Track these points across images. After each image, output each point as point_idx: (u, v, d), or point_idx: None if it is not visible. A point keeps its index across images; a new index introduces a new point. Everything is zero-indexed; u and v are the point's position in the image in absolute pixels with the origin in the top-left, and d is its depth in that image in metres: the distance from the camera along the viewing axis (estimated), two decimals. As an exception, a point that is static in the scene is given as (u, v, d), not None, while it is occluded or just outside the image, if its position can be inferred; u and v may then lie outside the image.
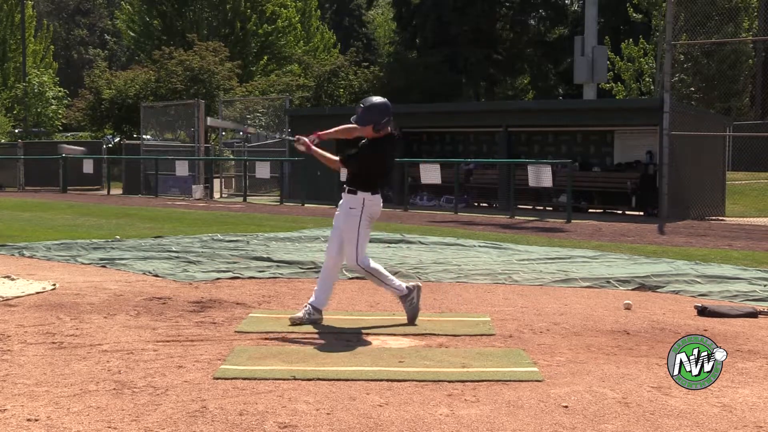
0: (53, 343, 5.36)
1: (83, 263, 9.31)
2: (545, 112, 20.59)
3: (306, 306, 6.07)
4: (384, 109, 5.99)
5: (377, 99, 6.12)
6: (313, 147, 6.20)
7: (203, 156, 25.96)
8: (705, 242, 12.21)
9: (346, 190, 6.02)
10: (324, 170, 21.63)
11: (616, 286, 7.97)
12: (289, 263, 9.18)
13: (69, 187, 27.38)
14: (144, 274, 8.55)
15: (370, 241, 11.42)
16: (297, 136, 6.32)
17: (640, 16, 30.43)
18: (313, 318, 5.99)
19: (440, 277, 8.47)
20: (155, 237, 11.83)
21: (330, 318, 6.17)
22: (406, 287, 6.07)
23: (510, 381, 4.53)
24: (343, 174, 6.26)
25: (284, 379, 4.50)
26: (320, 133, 6.15)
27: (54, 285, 7.61)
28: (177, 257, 9.63)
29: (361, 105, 6.04)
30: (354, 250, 5.96)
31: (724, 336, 5.73)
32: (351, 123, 6.05)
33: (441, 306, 6.92)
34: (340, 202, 6.08)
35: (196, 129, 25.82)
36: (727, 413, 4.02)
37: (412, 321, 6.04)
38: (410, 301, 6.05)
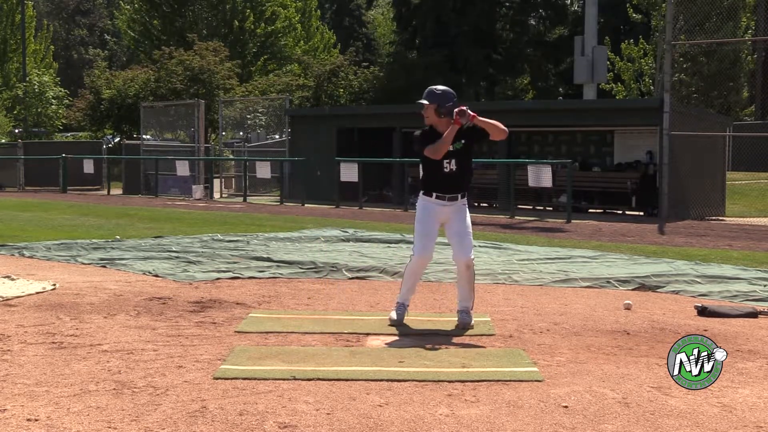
0: (53, 343, 5.36)
1: (83, 263, 9.30)
2: (545, 112, 20.60)
3: (396, 305, 6.12)
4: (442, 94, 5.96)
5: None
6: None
7: (203, 156, 25.96)
8: (705, 242, 12.21)
9: (459, 196, 5.96)
10: (324, 170, 21.68)
11: (616, 286, 7.97)
12: (289, 263, 9.17)
13: (69, 187, 27.37)
14: (144, 274, 8.55)
15: (372, 241, 11.46)
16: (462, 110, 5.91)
17: (640, 16, 30.46)
18: (402, 314, 6.04)
19: (440, 277, 8.47)
20: (155, 237, 11.83)
21: (330, 318, 6.17)
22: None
23: (510, 381, 4.53)
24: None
25: (284, 379, 4.50)
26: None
27: (54, 285, 7.61)
28: (177, 257, 9.63)
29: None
30: (472, 243, 6.02)
31: (724, 336, 5.73)
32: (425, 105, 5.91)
33: (441, 306, 6.92)
34: (441, 205, 5.97)
35: (196, 129, 25.82)
36: (727, 413, 4.02)
37: (464, 330, 5.93)
38: (467, 316, 6.00)
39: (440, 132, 5.92)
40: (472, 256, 6.00)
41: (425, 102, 5.93)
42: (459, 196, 5.97)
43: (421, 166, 6.08)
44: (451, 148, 5.87)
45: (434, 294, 7.38)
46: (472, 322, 5.99)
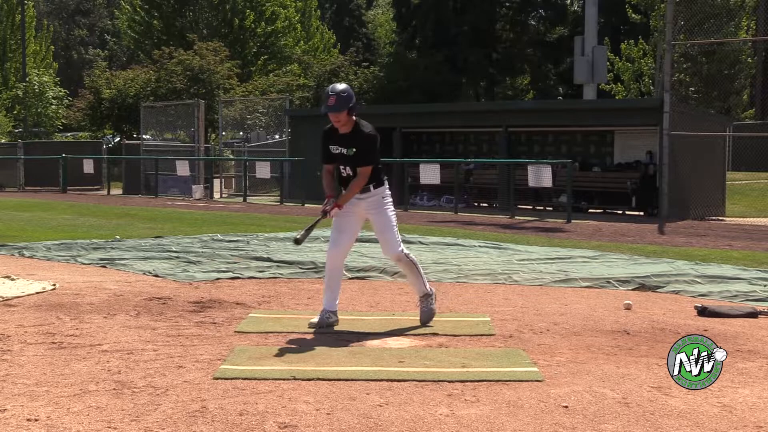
0: (53, 343, 5.36)
1: (83, 263, 9.30)
2: (545, 112, 20.60)
3: (323, 311, 5.99)
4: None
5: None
6: (341, 206, 5.93)
7: (203, 156, 25.96)
8: (705, 242, 12.21)
9: (371, 188, 5.90)
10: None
11: (616, 286, 7.97)
12: (289, 263, 9.17)
13: (69, 187, 27.38)
14: (144, 274, 8.55)
15: (372, 241, 11.46)
16: (326, 211, 5.90)
17: (639, 16, 30.45)
18: (330, 321, 5.91)
19: (440, 277, 8.47)
20: (155, 237, 11.83)
21: (330, 318, 6.17)
22: (431, 288, 6.09)
23: (510, 381, 4.53)
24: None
25: (284, 379, 4.50)
26: (340, 203, 5.87)
27: (54, 285, 7.60)
28: (177, 257, 9.63)
29: (332, 93, 5.79)
30: (397, 238, 5.97)
31: (724, 336, 5.73)
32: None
33: (441, 306, 6.90)
34: (355, 199, 5.92)
35: (196, 129, 25.83)
36: (727, 413, 4.02)
37: (425, 323, 6.00)
38: (428, 302, 6.04)
39: (340, 130, 5.85)
40: (400, 249, 5.97)
41: (336, 111, 5.75)
42: (370, 188, 5.90)
43: None
44: (345, 152, 5.88)
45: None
46: (433, 305, 6.02)
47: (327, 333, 5.75)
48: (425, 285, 6.10)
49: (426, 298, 6.08)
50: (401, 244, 6.04)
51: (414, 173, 19.70)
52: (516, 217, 16.75)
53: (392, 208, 6.05)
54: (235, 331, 5.78)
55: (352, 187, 5.90)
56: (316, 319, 5.93)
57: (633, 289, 7.85)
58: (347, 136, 5.87)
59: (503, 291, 7.78)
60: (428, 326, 5.97)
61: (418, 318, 6.08)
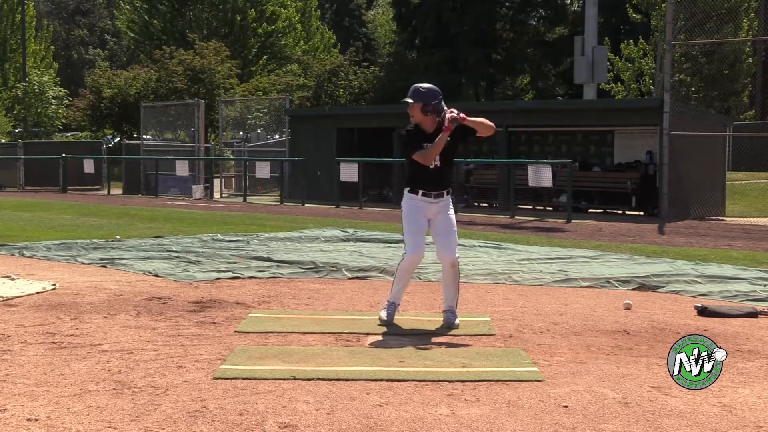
0: (53, 343, 5.36)
1: (83, 263, 9.30)
2: (545, 112, 20.61)
3: (386, 304, 6.11)
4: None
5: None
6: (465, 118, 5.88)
7: (203, 156, 25.96)
8: (705, 242, 12.21)
9: (445, 193, 5.99)
10: (324, 170, 21.68)
11: (616, 286, 7.97)
12: (289, 263, 9.17)
13: (69, 187, 27.38)
14: (144, 274, 8.55)
15: (372, 241, 11.46)
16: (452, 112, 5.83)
17: (640, 16, 30.45)
18: (393, 313, 6.04)
19: (440, 277, 8.45)
20: (155, 237, 11.83)
21: (330, 318, 6.17)
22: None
23: (510, 381, 4.53)
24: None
25: (284, 379, 4.50)
26: (464, 116, 5.84)
27: (54, 285, 7.60)
28: (177, 257, 9.63)
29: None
30: (457, 242, 6.06)
31: (724, 336, 5.73)
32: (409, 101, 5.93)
33: (441, 306, 6.90)
34: (428, 203, 5.95)
35: (196, 129, 25.83)
36: (727, 413, 4.02)
37: (449, 329, 5.97)
38: (453, 316, 6.04)
39: (425, 129, 5.94)
40: (457, 255, 6.04)
41: (410, 101, 5.96)
42: (444, 193, 5.99)
43: (407, 164, 6.14)
44: None
45: (434, 294, 7.37)
46: (457, 321, 6.02)
47: (327, 333, 5.75)
48: (457, 300, 6.12)
49: (452, 312, 6.06)
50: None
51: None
52: (516, 217, 16.75)
53: (453, 213, 6.09)
54: (235, 331, 5.78)
55: (482, 120, 5.92)
56: (385, 315, 6.01)
57: (633, 289, 7.85)
58: (435, 135, 5.89)
59: (503, 291, 7.78)
60: (429, 327, 5.96)
61: (418, 317, 6.09)
